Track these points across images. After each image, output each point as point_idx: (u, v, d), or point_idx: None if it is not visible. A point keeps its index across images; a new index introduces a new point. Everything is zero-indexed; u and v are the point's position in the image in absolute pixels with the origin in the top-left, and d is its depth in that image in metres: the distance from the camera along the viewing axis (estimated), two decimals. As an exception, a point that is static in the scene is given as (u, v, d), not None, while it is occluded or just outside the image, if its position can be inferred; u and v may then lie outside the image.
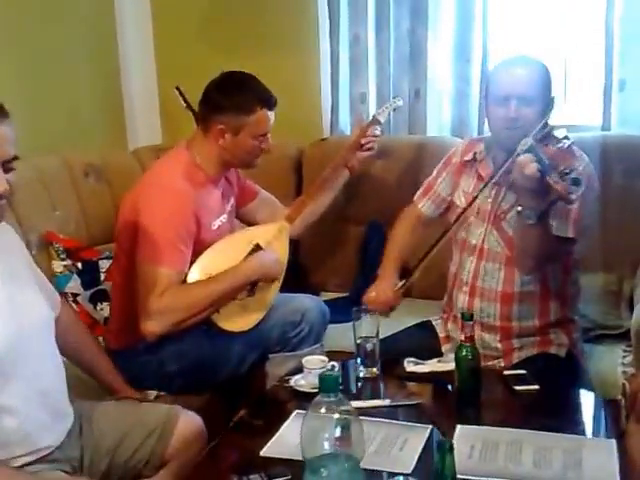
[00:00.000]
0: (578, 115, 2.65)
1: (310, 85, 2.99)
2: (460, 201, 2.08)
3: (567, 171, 1.64)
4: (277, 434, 1.54)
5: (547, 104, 1.88)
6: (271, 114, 2.04)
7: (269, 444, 1.50)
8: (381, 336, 2.11)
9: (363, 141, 2.32)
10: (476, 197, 1.94)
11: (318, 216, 2.39)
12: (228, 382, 2.08)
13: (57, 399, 1.53)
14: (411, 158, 2.71)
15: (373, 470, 1.38)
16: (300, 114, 2.84)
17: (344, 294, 2.74)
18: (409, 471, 1.38)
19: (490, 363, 1.98)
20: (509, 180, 1.86)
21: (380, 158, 2.70)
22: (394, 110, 2.51)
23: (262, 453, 1.47)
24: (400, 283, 2.07)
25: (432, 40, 2.73)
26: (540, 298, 1.99)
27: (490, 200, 1.98)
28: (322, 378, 1.13)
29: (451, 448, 1.15)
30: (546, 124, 1.81)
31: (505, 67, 1.96)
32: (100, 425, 1.61)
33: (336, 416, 1.08)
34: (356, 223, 2.80)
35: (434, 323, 2.18)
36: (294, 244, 2.78)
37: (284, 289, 2.17)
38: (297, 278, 2.77)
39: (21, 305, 1.47)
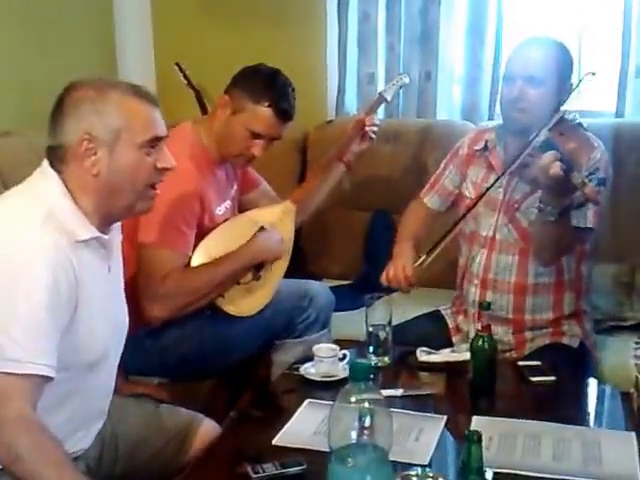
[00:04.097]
0: (592, 100, 2.61)
1: (315, 65, 2.89)
2: (469, 191, 2.02)
3: (592, 171, 1.60)
4: (289, 423, 1.51)
5: (562, 89, 1.82)
6: (277, 123, 1.94)
7: (281, 433, 1.46)
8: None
9: (367, 122, 2.18)
10: (490, 188, 1.87)
11: (312, 210, 2.27)
12: (232, 369, 2.03)
13: (104, 401, 1.50)
14: (418, 142, 2.65)
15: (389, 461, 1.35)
16: (304, 95, 2.73)
17: (347, 282, 2.69)
18: (426, 462, 1.35)
19: (501, 357, 1.92)
20: (524, 172, 1.81)
21: (386, 142, 2.64)
22: (401, 87, 2.33)
23: (274, 442, 1.43)
24: (420, 259, 1.92)
25: (445, 21, 2.67)
26: (555, 290, 1.94)
27: (501, 190, 1.92)
28: (353, 366, 1.09)
29: (479, 439, 1.11)
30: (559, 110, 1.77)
31: (521, 47, 1.91)
32: (119, 427, 1.56)
33: (365, 405, 1.03)
34: (360, 209, 2.74)
35: (443, 313, 2.13)
36: (296, 230, 2.74)
37: (285, 276, 2.11)
38: (298, 265, 2.72)
39: (116, 308, 1.46)
